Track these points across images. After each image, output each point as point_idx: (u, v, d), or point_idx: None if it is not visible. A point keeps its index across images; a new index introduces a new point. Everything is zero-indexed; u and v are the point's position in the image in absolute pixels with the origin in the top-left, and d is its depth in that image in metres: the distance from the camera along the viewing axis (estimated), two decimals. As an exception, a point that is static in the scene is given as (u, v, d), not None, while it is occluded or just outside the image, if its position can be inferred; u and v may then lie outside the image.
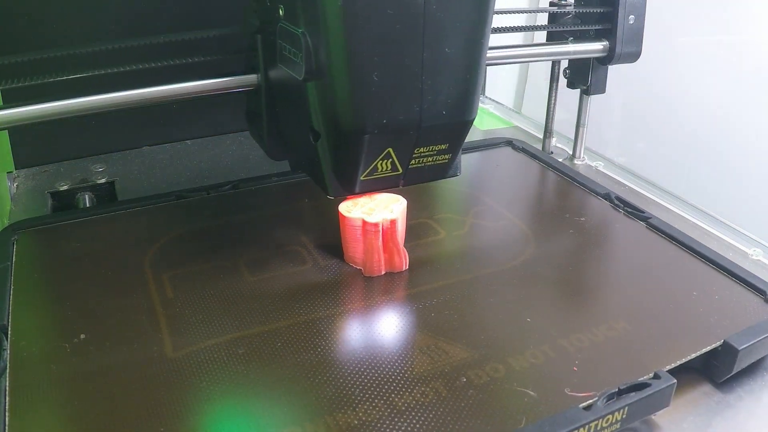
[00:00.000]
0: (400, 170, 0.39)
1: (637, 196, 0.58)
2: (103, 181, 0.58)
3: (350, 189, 0.39)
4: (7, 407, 0.32)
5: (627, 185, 0.60)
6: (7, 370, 0.34)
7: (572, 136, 0.64)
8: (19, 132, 0.59)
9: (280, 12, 0.39)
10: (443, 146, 0.39)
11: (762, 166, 0.67)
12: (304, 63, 0.36)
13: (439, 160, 0.40)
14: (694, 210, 0.56)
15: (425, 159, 0.39)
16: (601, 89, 0.60)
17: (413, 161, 0.39)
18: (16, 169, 0.60)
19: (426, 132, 0.38)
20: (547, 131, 0.65)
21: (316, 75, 0.36)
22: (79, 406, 0.32)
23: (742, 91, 0.69)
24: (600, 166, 0.63)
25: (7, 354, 0.35)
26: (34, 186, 0.58)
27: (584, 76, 0.59)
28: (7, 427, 0.31)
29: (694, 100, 0.73)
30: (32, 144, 0.61)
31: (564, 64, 0.61)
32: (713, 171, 0.71)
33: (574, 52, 0.56)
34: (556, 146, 0.66)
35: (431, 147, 0.39)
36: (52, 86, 0.43)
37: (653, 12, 0.56)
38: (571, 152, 0.64)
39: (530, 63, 0.94)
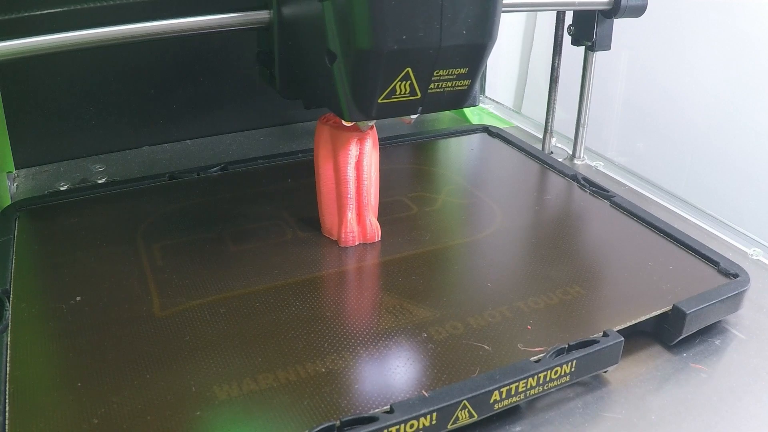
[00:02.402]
0: (419, 94, 0.40)
1: (637, 195, 0.60)
2: (102, 181, 0.60)
3: (368, 113, 0.40)
4: (8, 359, 0.37)
5: (627, 185, 0.62)
6: (9, 328, 0.38)
7: (572, 136, 0.67)
8: (19, 132, 0.62)
9: None
10: (463, 70, 0.40)
11: (762, 166, 0.70)
12: None
13: (458, 85, 0.41)
14: (694, 210, 0.58)
15: (444, 83, 0.40)
16: (606, 45, 0.60)
17: (432, 85, 0.40)
18: (16, 169, 0.63)
19: (446, 52, 0.39)
20: (547, 131, 0.68)
21: None
22: (74, 358, 0.37)
23: (742, 91, 0.71)
24: (600, 166, 0.66)
25: (8, 314, 0.40)
26: (34, 186, 0.61)
27: (589, 31, 0.60)
28: (8, 376, 0.35)
29: (695, 99, 0.76)
30: (32, 144, 0.64)
31: (568, 20, 0.62)
32: (713, 171, 0.74)
33: (579, 3, 0.58)
34: (556, 146, 0.69)
35: (451, 70, 0.40)
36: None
37: (654, 12, 0.59)
38: (571, 152, 0.67)
39: (530, 63, 0.96)
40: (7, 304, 0.40)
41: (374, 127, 0.45)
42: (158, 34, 0.44)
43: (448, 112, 0.79)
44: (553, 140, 0.68)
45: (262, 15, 0.45)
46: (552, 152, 0.68)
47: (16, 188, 0.61)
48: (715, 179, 0.73)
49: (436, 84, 0.40)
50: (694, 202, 0.59)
